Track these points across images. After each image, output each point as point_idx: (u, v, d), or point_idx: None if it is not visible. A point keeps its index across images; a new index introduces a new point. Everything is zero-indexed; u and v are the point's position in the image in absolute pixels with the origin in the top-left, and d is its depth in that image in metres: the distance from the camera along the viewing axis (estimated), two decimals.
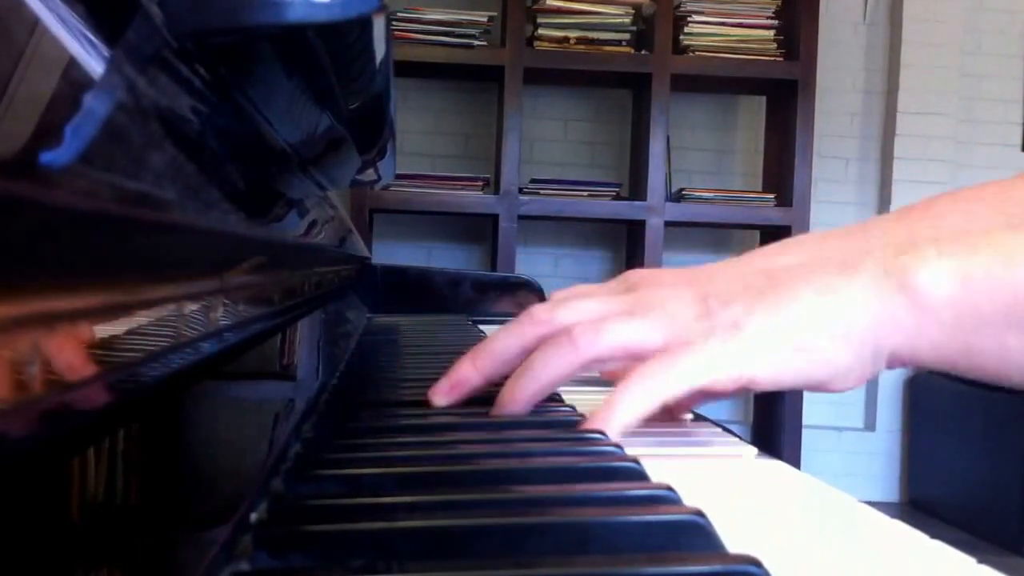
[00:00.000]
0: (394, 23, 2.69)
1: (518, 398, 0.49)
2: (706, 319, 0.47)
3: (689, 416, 0.55)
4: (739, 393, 0.48)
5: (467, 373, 0.52)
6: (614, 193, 2.90)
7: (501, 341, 0.52)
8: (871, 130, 3.25)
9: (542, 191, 2.83)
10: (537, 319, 0.51)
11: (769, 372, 0.45)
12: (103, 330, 0.19)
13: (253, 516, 0.30)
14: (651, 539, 0.28)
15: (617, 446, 0.41)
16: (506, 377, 0.51)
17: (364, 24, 0.40)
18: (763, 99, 3.13)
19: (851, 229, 0.50)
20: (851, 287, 0.45)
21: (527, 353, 0.50)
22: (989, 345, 0.44)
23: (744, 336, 0.45)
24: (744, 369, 0.45)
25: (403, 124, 2.99)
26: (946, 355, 0.45)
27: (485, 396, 0.56)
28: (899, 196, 3.14)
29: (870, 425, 3.22)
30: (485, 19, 2.78)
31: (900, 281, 0.44)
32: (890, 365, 0.46)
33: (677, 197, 2.90)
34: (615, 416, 0.44)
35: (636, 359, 0.48)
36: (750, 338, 0.45)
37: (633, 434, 0.46)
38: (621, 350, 0.48)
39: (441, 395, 0.52)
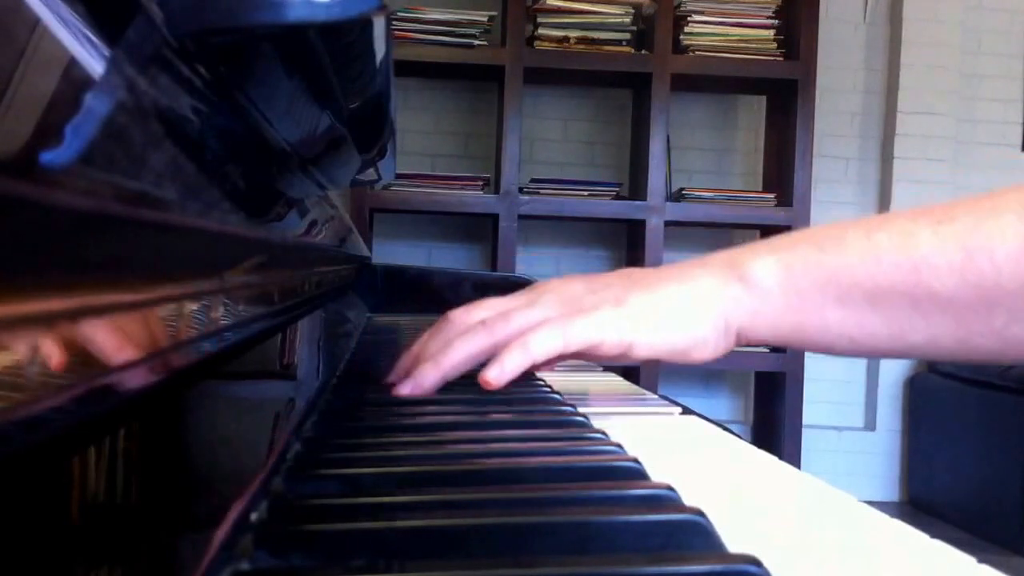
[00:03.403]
0: (394, 23, 2.69)
1: (442, 365, 0.58)
2: (593, 295, 0.58)
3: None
4: (617, 360, 0.59)
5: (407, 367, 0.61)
6: (614, 193, 2.90)
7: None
8: (871, 130, 3.25)
9: (542, 191, 2.83)
10: (455, 322, 0.61)
11: (645, 339, 0.56)
12: (103, 330, 0.19)
13: (253, 516, 0.30)
14: (651, 538, 0.28)
15: (618, 445, 0.41)
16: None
17: (364, 24, 0.40)
18: (763, 99, 3.13)
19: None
20: (704, 278, 0.56)
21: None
22: (813, 320, 0.53)
23: (626, 308, 0.56)
24: (625, 335, 0.55)
25: (403, 124, 2.99)
26: (780, 331, 0.55)
27: (485, 396, 0.56)
28: (899, 196, 3.14)
29: (870, 425, 3.22)
30: (485, 19, 2.78)
31: (739, 273, 0.55)
32: (739, 341, 0.57)
33: (677, 197, 2.90)
34: (512, 364, 0.55)
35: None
36: (631, 310, 0.56)
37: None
38: (524, 331, 0.57)
39: (404, 393, 0.59)
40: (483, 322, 0.59)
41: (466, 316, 0.61)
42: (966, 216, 0.49)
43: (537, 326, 0.56)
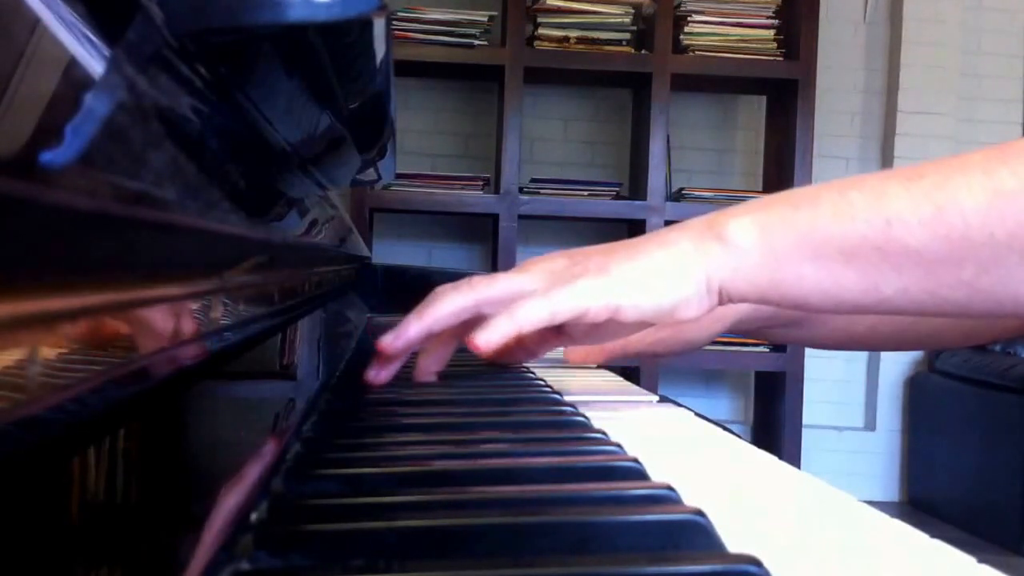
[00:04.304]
0: (394, 23, 2.69)
1: (425, 317, 0.61)
2: (576, 266, 0.60)
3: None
4: (605, 333, 0.62)
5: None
6: (614, 193, 2.90)
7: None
8: (871, 130, 3.25)
9: (542, 191, 2.83)
10: (440, 291, 0.63)
11: (631, 302, 0.57)
12: (103, 329, 0.19)
13: (253, 516, 0.30)
14: (651, 538, 0.28)
15: (618, 445, 0.41)
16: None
17: (364, 24, 0.40)
18: (763, 99, 3.13)
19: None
20: (683, 240, 0.59)
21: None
22: (790, 276, 0.55)
23: (610, 275, 0.58)
24: (611, 299, 0.57)
25: (403, 124, 2.99)
26: (759, 287, 0.56)
27: (484, 396, 0.56)
28: None
29: (870, 425, 3.22)
30: (485, 19, 2.78)
31: (717, 233, 0.57)
32: (722, 300, 0.58)
33: (677, 197, 2.90)
34: (499, 331, 0.56)
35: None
36: (614, 277, 0.58)
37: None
38: (508, 293, 0.60)
39: (386, 343, 0.61)
40: (469, 281, 0.62)
41: (452, 287, 0.63)
42: (935, 174, 0.51)
43: (523, 297, 0.58)
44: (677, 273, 0.57)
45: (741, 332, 0.93)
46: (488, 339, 0.57)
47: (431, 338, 0.63)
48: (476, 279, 0.63)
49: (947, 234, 0.50)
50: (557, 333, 0.64)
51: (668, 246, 0.58)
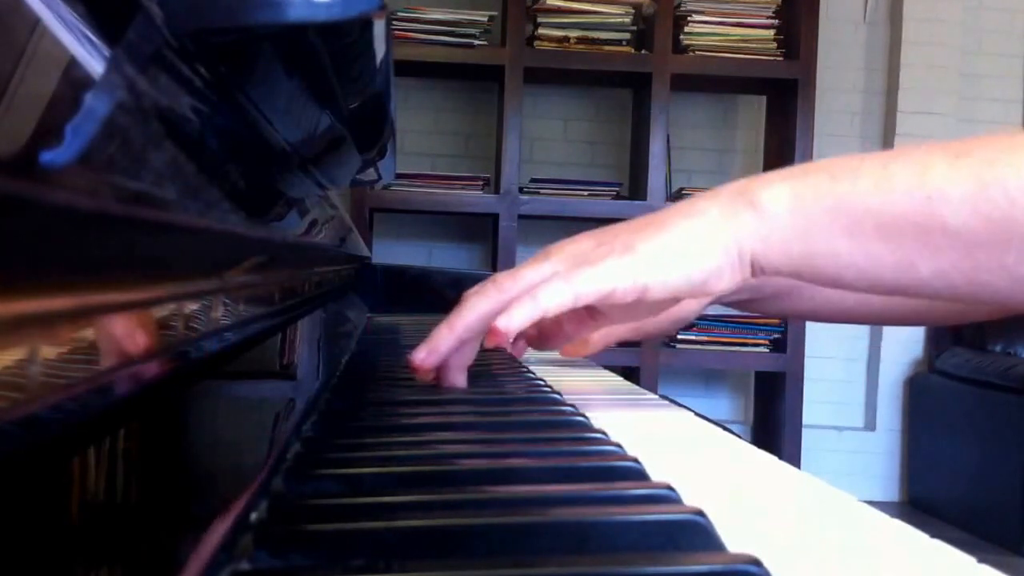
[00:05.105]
0: (394, 23, 2.69)
1: (455, 326, 0.59)
2: (602, 247, 0.57)
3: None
4: (638, 311, 0.60)
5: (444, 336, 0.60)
6: (614, 193, 2.90)
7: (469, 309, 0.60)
8: (871, 130, 3.25)
9: (542, 191, 2.83)
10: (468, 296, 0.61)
11: (659, 279, 0.55)
12: (103, 329, 0.19)
13: (253, 516, 0.30)
14: (651, 538, 0.28)
15: (618, 445, 0.41)
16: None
17: (364, 24, 0.40)
18: (763, 99, 3.13)
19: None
20: (712, 208, 0.55)
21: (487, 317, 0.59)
22: (824, 249, 0.53)
23: (636, 253, 0.55)
24: (638, 278, 0.55)
25: (403, 124, 2.99)
26: (792, 258, 0.54)
27: (484, 396, 0.56)
28: None
29: (870, 425, 3.22)
30: (485, 19, 2.78)
31: (749, 200, 0.54)
32: (754, 272, 0.55)
33: (677, 196, 2.90)
34: (520, 315, 0.55)
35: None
36: (641, 254, 0.55)
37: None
38: (533, 284, 0.57)
39: (419, 360, 0.60)
40: (493, 280, 0.59)
41: (477, 290, 0.61)
42: (982, 150, 0.49)
43: (545, 281, 0.56)
44: (706, 244, 0.54)
45: (728, 304, 0.91)
46: (508, 324, 0.55)
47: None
48: (500, 277, 0.60)
49: (990, 214, 0.47)
50: (591, 315, 0.62)
51: (696, 216, 0.56)
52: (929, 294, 0.52)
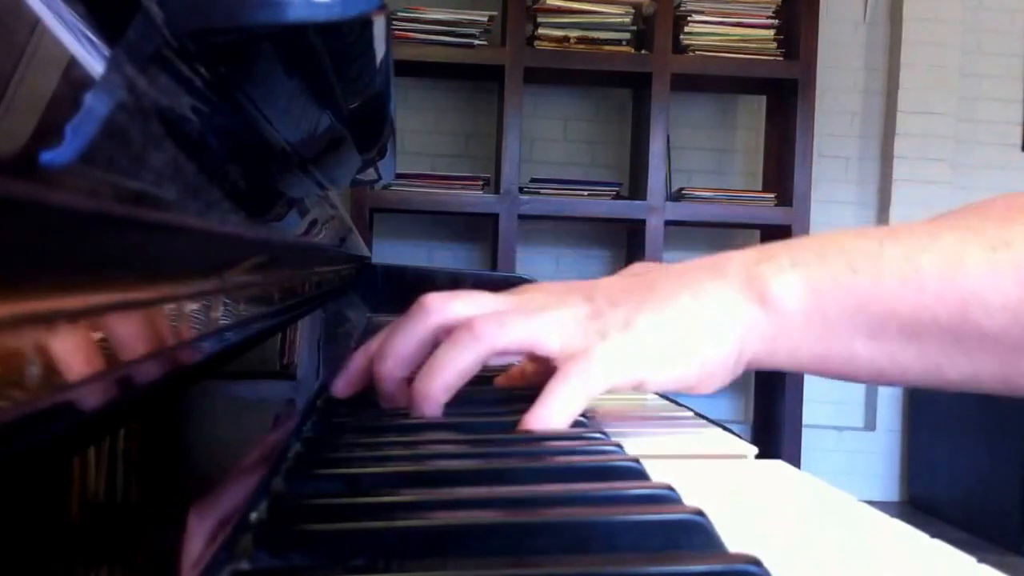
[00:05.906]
0: (394, 23, 2.69)
1: (431, 395, 0.48)
2: (598, 319, 0.49)
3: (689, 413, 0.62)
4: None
5: (362, 367, 0.52)
6: (614, 193, 2.90)
7: (400, 339, 0.51)
8: (871, 130, 3.25)
9: (542, 191, 2.83)
10: (431, 309, 0.51)
11: (654, 376, 0.48)
12: (103, 329, 0.19)
13: (253, 516, 0.30)
14: (651, 538, 0.28)
15: (617, 445, 0.41)
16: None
17: (364, 24, 0.40)
18: (763, 99, 3.13)
19: (714, 256, 0.53)
20: (719, 292, 0.49)
21: (426, 345, 0.51)
22: (838, 351, 0.48)
23: (634, 332, 0.48)
24: (637, 374, 0.48)
25: (403, 124, 2.99)
26: (800, 360, 0.48)
27: (484, 398, 0.56)
28: (899, 196, 3.14)
29: (870, 425, 3.22)
30: (485, 19, 2.78)
31: (759, 292, 0.48)
32: (748, 368, 0.50)
33: (677, 196, 2.90)
34: (551, 419, 0.46)
35: (532, 357, 0.52)
36: (638, 335, 0.48)
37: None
38: (519, 345, 0.49)
39: (339, 392, 0.53)
40: (470, 326, 0.49)
41: (445, 308, 0.51)
42: (1023, 241, 0.44)
43: (559, 384, 0.47)
44: (707, 342, 0.48)
45: None
46: (561, 425, 0.47)
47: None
48: (475, 313, 0.50)
49: None
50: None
51: (701, 297, 0.49)
52: (956, 390, 0.49)
